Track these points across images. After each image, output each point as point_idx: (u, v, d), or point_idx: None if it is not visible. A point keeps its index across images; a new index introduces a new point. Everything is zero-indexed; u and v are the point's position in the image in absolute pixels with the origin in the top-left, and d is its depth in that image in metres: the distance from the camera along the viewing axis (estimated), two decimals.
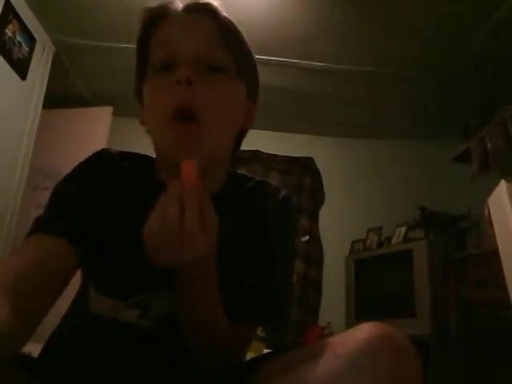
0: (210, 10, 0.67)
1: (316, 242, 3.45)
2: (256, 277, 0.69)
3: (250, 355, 0.74)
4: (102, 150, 0.75)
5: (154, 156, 0.76)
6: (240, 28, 0.71)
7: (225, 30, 0.67)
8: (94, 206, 0.67)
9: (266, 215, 0.74)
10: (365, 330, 0.49)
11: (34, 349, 0.63)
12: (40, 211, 0.66)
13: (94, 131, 3.02)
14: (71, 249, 0.61)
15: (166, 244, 0.50)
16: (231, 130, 0.71)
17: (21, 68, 2.44)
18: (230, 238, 0.64)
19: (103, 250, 0.67)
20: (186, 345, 0.65)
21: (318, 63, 2.77)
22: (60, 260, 0.60)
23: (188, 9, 0.68)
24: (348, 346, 0.48)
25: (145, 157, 0.77)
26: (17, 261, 0.56)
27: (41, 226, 0.63)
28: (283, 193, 0.78)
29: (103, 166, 0.71)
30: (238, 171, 0.80)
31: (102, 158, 0.73)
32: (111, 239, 0.67)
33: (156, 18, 0.69)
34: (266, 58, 2.66)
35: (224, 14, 0.68)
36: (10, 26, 2.30)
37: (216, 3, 0.69)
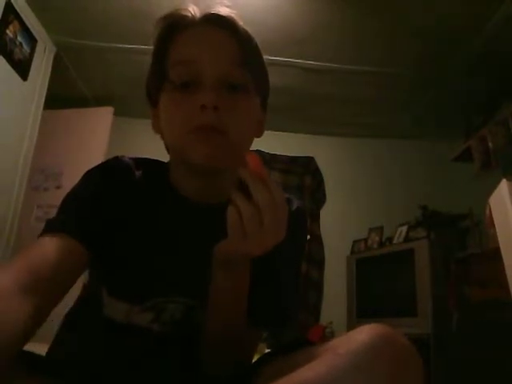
0: (230, 24, 0.67)
1: (317, 241, 3.45)
2: (266, 283, 0.69)
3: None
4: (116, 157, 0.75)
5: (163, 160, 0.78)
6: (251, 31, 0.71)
7: (245, 46, 0.68)
8: (107, 210, 0.67)
9: None
10: (365, 331, 0.49)
11: (32, 347, 0.62)
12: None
13: (95, 131, 3.02)
14: (83, 250, 0.62)
15: (250, 233, 0.54)
16: (250, 140, 0.73)
17: (22, 69, 2.44)
18: None
19: (118, 255, 0.67)
20: (197, 349, 0.66)
21: (319, 63, 2.77)
22: (73, 261, 0.61)
23: (208, 20, 0.68)
24: (348, 346, 0.48)
25: (157, 162, 0.78)
26: (36, 259, 0.57)
27: (54, 226, 0.64)
28: (296, 204, 0.79)
29: (117, 172, 0.71)
30: None
31: (115, 163, 0.73)
32: (125, 244, 0.68)
33: (175, 29, 0.68)
34: (266, 57, 2.64)
35: (242, 26, 0.68)
36: (11, 27, 2.30)
37: (234, 14, 0.69)
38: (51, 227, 0.64)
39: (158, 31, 0.70)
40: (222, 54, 0.66)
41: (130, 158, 0.75)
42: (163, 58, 0.69)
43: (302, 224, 0.81)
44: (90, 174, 0.71)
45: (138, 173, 0.73)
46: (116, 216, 0.68)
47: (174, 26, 0.69)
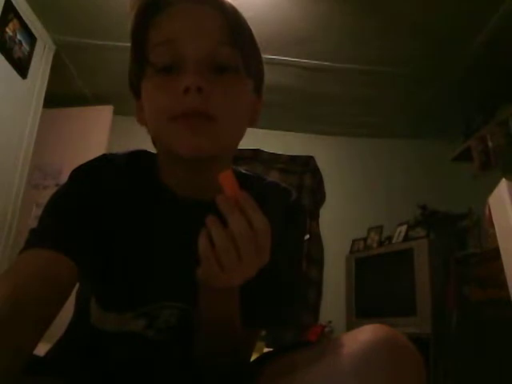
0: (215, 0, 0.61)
1: (317, 240, 3.45)
2: (264, 283, 0.65)
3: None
4: (103, 155, 0.69)
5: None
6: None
7: (232, 23, 0.61)
8: (95, 217, 0.62)
9: (275, 219, 0.67)
10: (367, 332, 0.49)
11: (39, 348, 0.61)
12: (40, 210, 0.65)
13: (95, 130, 3.02)
14: (70, 263, 0.56)
15: (225, 265, 0.51)
16: (242, 128, 0.67)
17: (21, 67, 2.44)
18: None
19: (108, 264, 0.64)
20: (193, 354, 0.64)
21: (319, 62, 2.77)
22: (59, 276, 0.55)
23: None
24: (350, 348, 0.48)
25: (147, 155, 0.72)
26: (11, 282, 0.51)
27: (37, 239, 0.58)
28: (294, 196, 0.75)
29: (103, 174, 0.66)
30: (243, 170, 0.76)
31: (102, 164, 0.67)
32: (116, 252, 0.64)
33: (154, 8, 0.62)
34: (267, 56, 2.65)
35: (228, 1, 0.63)
36: (11, 25, 2.30)
37: None
38: (36, 240, 0.58)
39: (135, 11, 0.63)
40: (206, 31, 0.60)
41: (118, 155, 0.70)
42: (143, 41, 0.63)
43: (301, 217, 0.77)
44: (75, 177, 0.65)
45: (126, 171, 0.68)
46: (105, 223, 0.63)
47: (153, 4, 0.62)
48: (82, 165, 0.67)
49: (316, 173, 3.61)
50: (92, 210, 0.62)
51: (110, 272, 0.64)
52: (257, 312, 0.66)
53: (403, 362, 0.46)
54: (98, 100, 3.25)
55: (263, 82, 0.71)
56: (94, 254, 0.61)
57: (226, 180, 0.51)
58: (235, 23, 0.62)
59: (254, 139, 3.52)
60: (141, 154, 0.71)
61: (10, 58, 2.31)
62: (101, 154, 0.70)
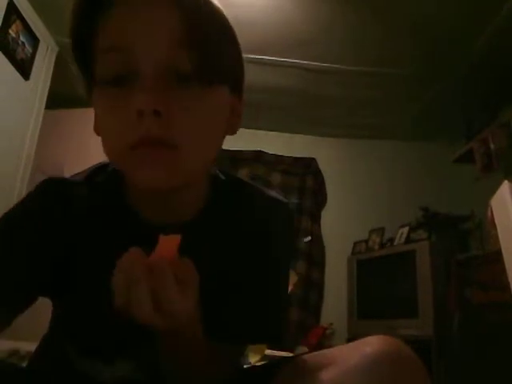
0: None
1: (318, 242, 3.45)
2: (249, 299, 0.62)
3: (251, 355, 0.74)
4: (56, 182, 0.62)
5: None
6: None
7: (192, 22, 0.49)
8: (49, 254, 0.57)
9: (261, 232, 0.65)
10: (372, 344, 0.48)
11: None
12: None
13: None
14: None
15: (137, 306, 0.44)
16: (213, 148, 0.57)
17: (24, 68, 2.44)
18: (218, 261, 0.61)
19: (73, 302, 0.60)
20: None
21: (321, 64, 2.77)
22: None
23: None
24: (354, 360, 0.48)
25: (113, 175, 0.63)
26: None
27: None
28: (281, 207, 0.68)
29: (58, 203, 0.59)
30: (236, 176, 0.70)
31: (54, 192, 0.60)
32: (80, 289, 0.59)
33: (101, 5, 0.52)
34: (269, 58, 2.65)
35: None
36: (14, 27, 2.30)
37: None
38: None
39: (74, 6, 0.53)
40: (162, 33, 0.49)
41: (75, 179, 0.63)
42: (87, 45, 0.54)
43: (288, 227, 0.71)
44: (26, 207, 0.60)
45: (86, 195, 0.61)
46: (67, 255, 0.58)
47: (100, 2, 0.52)
48: (38, 190, 0.61)
49: (318, 175, 3.61)
50: (54, 244, 0.58)
51: (80, 314, 0.60)
52: (242, 329, 0.63)
53: (407, 374, 0.46)
54: None
55: (242, 81, 0.62)
56: (58, 291, 0.58)
57: (166, 244, 0.44)
58: (196, 21, 0.50)
59: (256, 141, 3.53)
60: (107, 173, 0.64)
61: (12, 60, 2.31)
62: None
